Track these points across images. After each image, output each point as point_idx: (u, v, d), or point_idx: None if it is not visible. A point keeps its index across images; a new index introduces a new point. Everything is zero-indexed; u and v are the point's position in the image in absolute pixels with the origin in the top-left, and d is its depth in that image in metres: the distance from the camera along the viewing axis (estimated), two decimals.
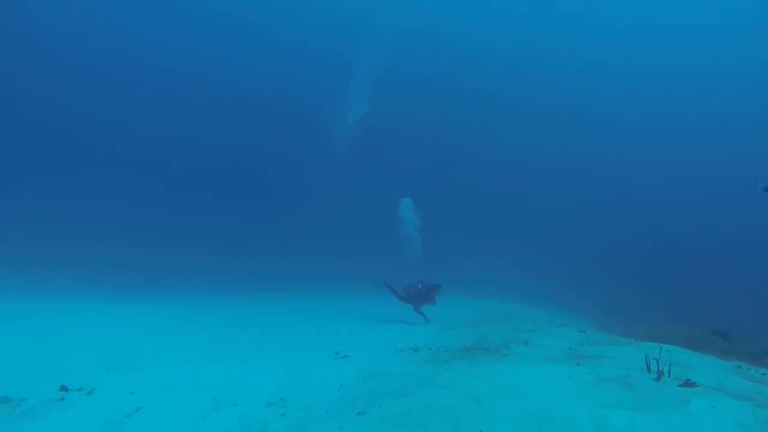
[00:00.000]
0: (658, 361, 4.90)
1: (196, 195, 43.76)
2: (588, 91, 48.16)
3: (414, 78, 46.82)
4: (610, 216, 38.47)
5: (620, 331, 9.00)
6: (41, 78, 44.51)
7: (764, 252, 26.44)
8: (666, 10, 42.03)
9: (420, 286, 10.76)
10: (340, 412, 3.83)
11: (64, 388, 4.20)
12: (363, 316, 11.04)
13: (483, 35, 46.12)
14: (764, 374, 5.52)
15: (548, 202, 42.08)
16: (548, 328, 7.85)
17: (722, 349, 7.12)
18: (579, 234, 34.32)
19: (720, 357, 6.27)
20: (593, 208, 40.78)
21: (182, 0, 43.95)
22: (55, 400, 3.95)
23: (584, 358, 5.70)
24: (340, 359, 5.93)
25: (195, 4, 44.19)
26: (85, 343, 6.18)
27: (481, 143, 50.14)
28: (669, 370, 4.79)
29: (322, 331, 8.47)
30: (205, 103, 49.10)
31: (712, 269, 24.40)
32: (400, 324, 9.86)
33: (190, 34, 46.00)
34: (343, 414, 3.78)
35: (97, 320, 7.89)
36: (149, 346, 6.36)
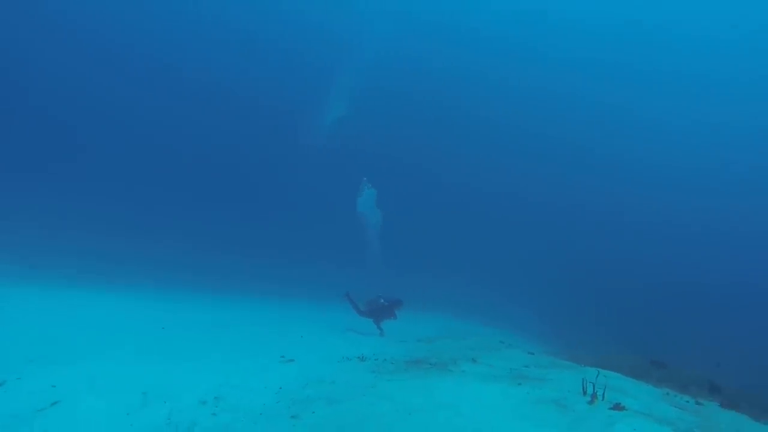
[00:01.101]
0: (594, 385, 5.07)
1: (180, 191, 42.70)
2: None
3: (397, 87, 47.36)
4: (574, 239, 39.47)
5: (567, 356, 9.21)
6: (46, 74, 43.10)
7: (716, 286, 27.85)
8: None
9: (382, 301, 10.74)
10: (273, 415, 3.77)
11: None
12: (318, 323, 10.92)
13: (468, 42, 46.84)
14: (688, 401, 5.78)
15: (516, 224, 42.83)
16: (498, 349, 7.98)
17: (657, 377, 7.39)
18: (541, 257, 35.08)
19: (653, 384, 6.52)
20: (557, 230, 41.71)
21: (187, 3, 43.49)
22: None
23: (527, 379, 5.81)
24: (285, 363, 5.84)
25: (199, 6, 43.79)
26: (13, 331, 5.85)
27: (451, 158, 50.61)
28: (603, 394, 4.95)
29: (272, 333, 8.33)
30: (192, 103, 48.38)
31: (667, 297, 25.43)
32: (353, 333, 9.80)
33: (188, 36, 45.46)
34: (276, 417, 3.72)
35: (28, 307, 7.48)
36: (90, 338, 6.07)
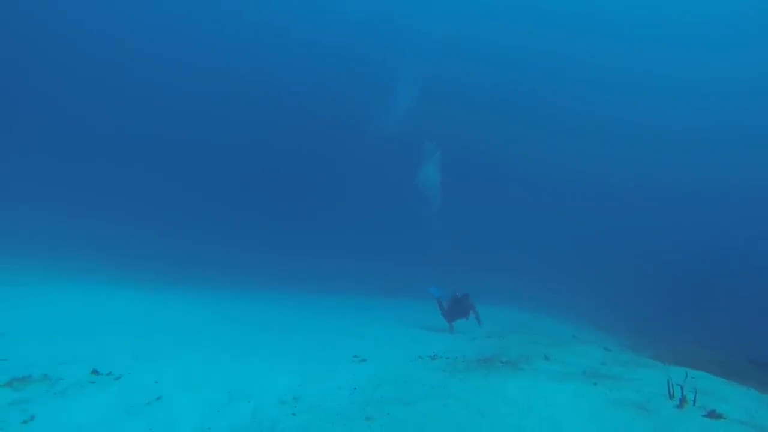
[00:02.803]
0: (682, 388, 4.71)
1: (217, 189, 45.08)
2: (597, 95, 46.69)
3: (454, 81, 46.62)
4: (635, 230, 37.20)
5: (650, 353, 8.67)
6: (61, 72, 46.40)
7: None
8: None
9: (458, 295, 10.52)
10: (348, 416, 3.91)
11: (95, 372, 4.48)
12: (385, 320, 11.11)
13: (527, 37, 45.28)
14: None
15: (575, 215, 41.04)
16: (571, 344, 7.67)
17: (760, 380, 6.72)
18: (605, 247, 33.34)
19: (755, 388, 5.94)
20: (615, 220, 39.55)
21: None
22: (87, 383, 4.22)
23: (604, 378, 5.55)
24: (358, 363, 6.01)
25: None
26: (116, 330, 6.53)
27: (514, 152, 49.38)
28: (694, 399, 4.60)
29: (343, 332, 8.60)
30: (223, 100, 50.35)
31: (746, 288, 23.05)
32: (422, 330, 9.86)
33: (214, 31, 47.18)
34: (352, 418, 3.86)
35: (128, 307, 8.30)
36: (174, 337, 6.65)
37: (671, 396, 4.65)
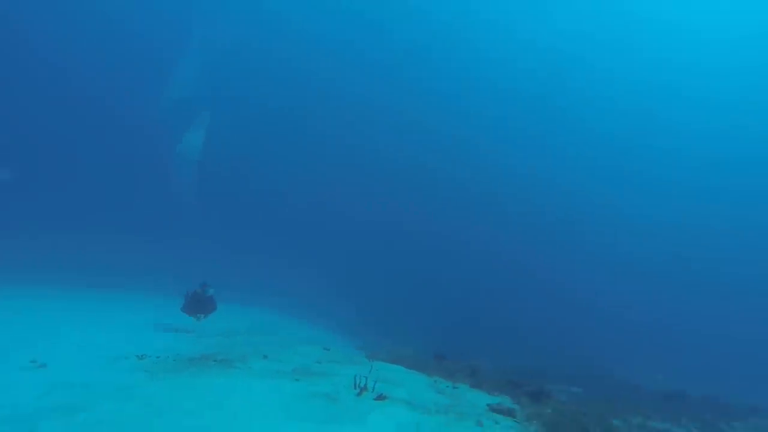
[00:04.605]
0: (367, 378, 5.54)
1: None
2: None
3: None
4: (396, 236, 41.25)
5: (369, 352, 9.90)
6: None
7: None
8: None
9: (198, 290, 9.85)
10: None
11: None
12: (107, 319, 9.66)
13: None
14: (448, 386, 6.76)
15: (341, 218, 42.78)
16: (296, 345, 8.15)
17: (439, 368, 8.43)
18: (371, 255, 36.53)
19: (433, 375, 7.42)
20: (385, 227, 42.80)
21: None
22: None
23: (310, 375, 6.05)
24: (35, 369, 5.00)
25: None
26: None
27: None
28: (374, 386, 5.44)
29: (32, 331, 7.08)
30: None
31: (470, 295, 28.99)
32: (151, 327, 8.94)
33: None
34: None
35: None
36: None
37: (356, 386, 5.38)
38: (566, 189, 45.90)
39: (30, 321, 8.08)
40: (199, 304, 9.73)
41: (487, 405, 5.91)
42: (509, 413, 5.71)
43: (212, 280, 10.27)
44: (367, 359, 8.14)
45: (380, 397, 5.14)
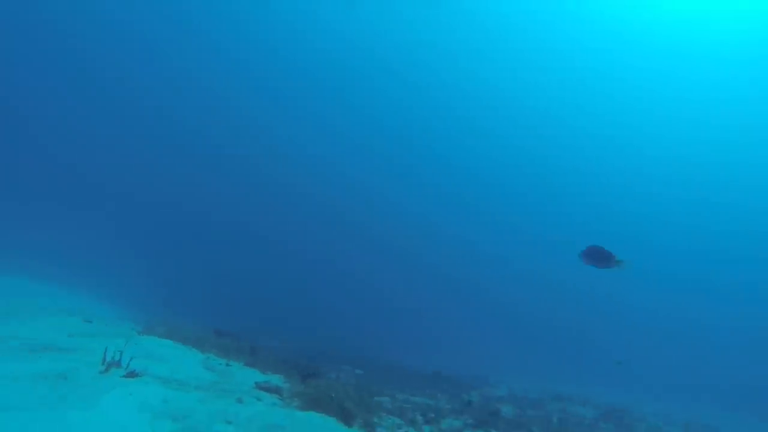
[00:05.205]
0: (122, 354, 4.99)
1: None
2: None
3: None
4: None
5: (145, 326, 8.95)
6: None
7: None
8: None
9: None
10: None
11: None
12: None
13: None
14: (221, 363, 6.59)
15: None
16: (47, 317, 6.87)
17: (217, 344, 8.10)
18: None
19: (201, 351, 7.09)
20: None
21: None
22: None
23: (53, 350, 5.18)
24: None
25: None
26: None
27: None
28: (128, 363, 4.92)
29: None
30: None
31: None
32: None
33: None
34: None
35: None
36: None
37: (104, 363, 4.79)
38: (350, 183, 49.01)
39: None
40: None
41: (255, 383, 5.97)
42: (276, 391, 5.88)
43: None
44: (137, 334, 7.36)
45: (131, 374, 4.69)
